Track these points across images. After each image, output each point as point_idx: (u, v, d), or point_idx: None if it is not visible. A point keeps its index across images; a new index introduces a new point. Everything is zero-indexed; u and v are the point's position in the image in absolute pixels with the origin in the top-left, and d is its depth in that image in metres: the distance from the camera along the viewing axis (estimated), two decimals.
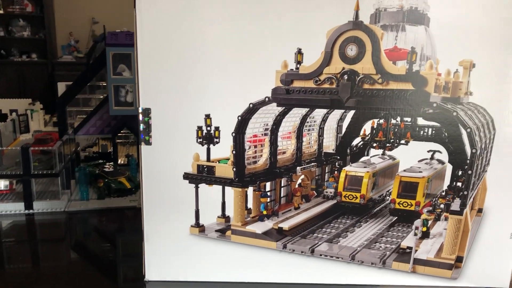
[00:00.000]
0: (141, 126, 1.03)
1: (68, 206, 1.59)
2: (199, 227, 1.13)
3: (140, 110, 1.02)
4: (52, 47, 5.45)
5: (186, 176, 1.09)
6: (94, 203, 1.63)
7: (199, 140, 1.08)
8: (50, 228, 1.52)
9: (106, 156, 2.03)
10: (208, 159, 1.15)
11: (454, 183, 1.17)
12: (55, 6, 5.49)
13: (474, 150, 1.01)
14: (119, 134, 2.02)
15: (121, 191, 1.69)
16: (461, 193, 1.04)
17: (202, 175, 1.15)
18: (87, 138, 2.11)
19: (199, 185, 1.12)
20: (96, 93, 2.52)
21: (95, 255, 1.34)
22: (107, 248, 1.39)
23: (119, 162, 2.02)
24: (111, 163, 1.85)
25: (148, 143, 1.04)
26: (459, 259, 1.07)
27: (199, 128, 1.07)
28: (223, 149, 1.13)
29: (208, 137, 1.10)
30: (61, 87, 2.36)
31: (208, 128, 1.08)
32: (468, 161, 1.02)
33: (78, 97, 2.21)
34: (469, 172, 1.02)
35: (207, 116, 1.06)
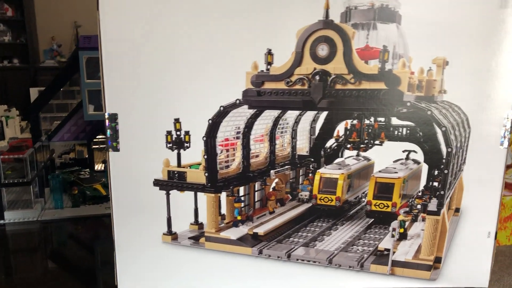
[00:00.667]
0: (108, 132, 1.00)
1: (41, 215, 1.56)
2: (171, 235, 1.11)
3: (106, 116, 0.99)
4: (34, 52, 5.36)
5: (157, 182, 1.07)
6: (68, 211, 1.59)
7: (168, 145, 1.06)
8: (23, 239, 1.48)
9: (82, 162, 1.99)
10: (179, 165, 1.13)
11: (431, 183, 1.16)
12: (36, 10, 5.40)
13: (449, 149, 1.00)
14: (95, 140, 1.98)
15: (97, 198, 1.65)
16: (438, 193, 1.03)
17: (173, 181, 1.12)
18: (64, 145, 2.07)
19: (170, 192, 1.09)
20: (76, 98, 2.47)
21: (70, 265, 1.31)
22: (82, 257, 1.36)
23: (95, 168, 1.98)
24: (86, 170, 1.81)
25: (116, 149, 1.01)
26: (438, 260, 1.06)
27: (168, 132, 1.04)
28: (195, 153, 1.11)
29: (178, 142, 1.08)
30: (34, 93, 2.31)
31: (178, 133, 1.06)
32: (444, 160, 1.01)
33: (52, 102, 2.17)
34: (445, 171, 1.01)
35: (176, 120, 1.04)
